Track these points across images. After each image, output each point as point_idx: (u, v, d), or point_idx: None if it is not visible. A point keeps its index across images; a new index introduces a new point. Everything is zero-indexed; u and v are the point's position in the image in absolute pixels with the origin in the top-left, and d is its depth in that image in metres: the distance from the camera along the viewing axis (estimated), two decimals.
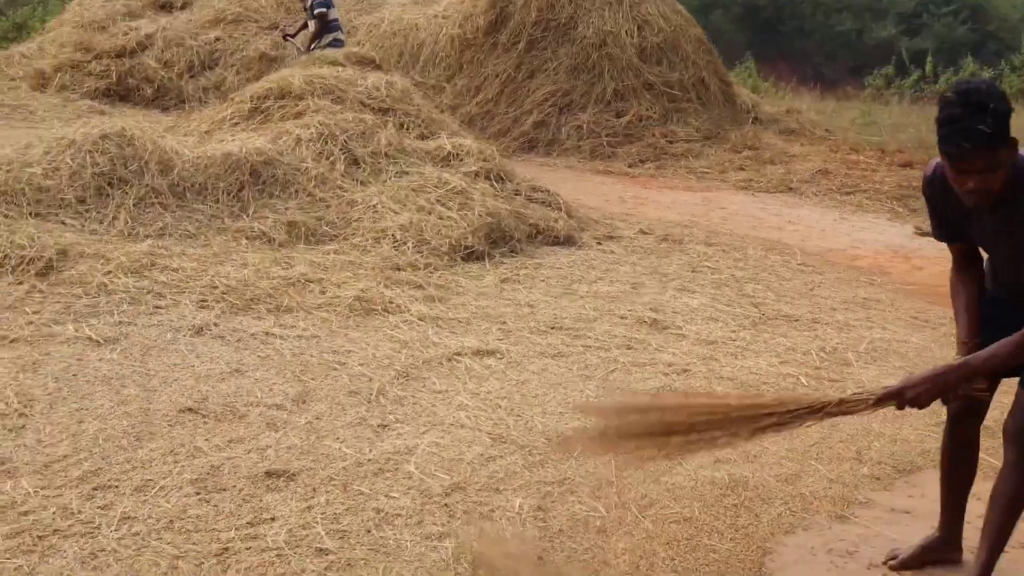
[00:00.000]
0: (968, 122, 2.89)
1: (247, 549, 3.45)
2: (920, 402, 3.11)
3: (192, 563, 3.35)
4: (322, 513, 3.73)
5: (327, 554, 3.48)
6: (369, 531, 3.65)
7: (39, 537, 3.40)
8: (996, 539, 3.41)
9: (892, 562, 3.73)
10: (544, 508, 3.94)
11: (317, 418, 4.56)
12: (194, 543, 3.46)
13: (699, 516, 3.98)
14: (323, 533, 3.60)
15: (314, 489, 3.91)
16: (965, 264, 3.49)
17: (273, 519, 3.66)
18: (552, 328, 6.08)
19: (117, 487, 3.77)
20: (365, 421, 4.58)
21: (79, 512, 3.57)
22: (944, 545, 3.74)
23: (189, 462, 4.01)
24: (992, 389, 3.59)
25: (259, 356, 5.20)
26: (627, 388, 5.19)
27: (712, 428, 3.22)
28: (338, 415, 4.61)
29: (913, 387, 3.10)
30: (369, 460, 4.19)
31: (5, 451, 3.93)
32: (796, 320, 6.72)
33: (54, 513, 3.55)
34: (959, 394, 3.23)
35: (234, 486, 3.87)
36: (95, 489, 3.74)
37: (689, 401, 3.42)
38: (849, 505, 4.23)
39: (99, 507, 3.62)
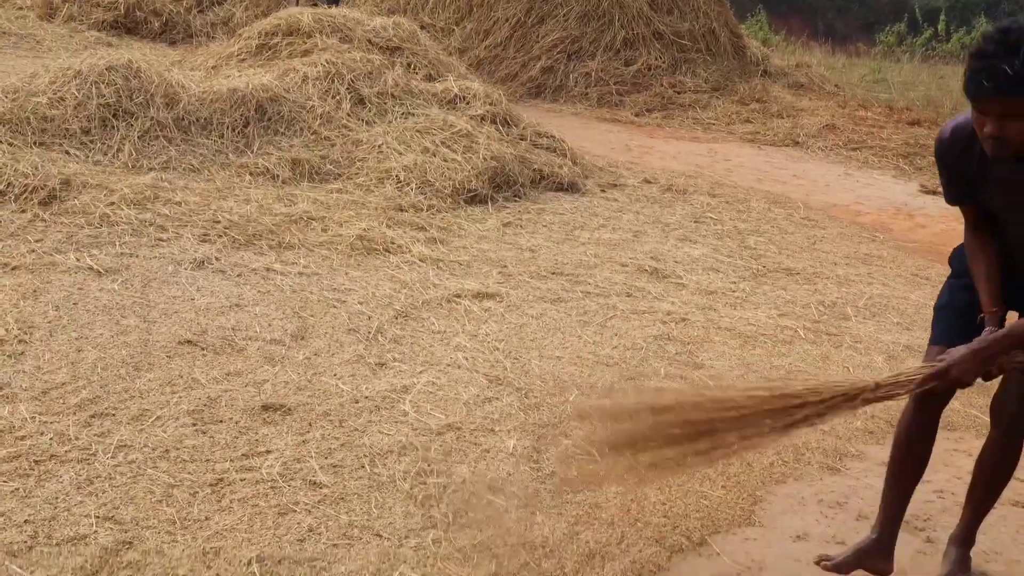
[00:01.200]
0: (995, 60, 2.62)
1: (241, 480, 3.48)
2: (965, 380, 2.90)
3: (187, 492, 3.38)
4: (317, 448, 3.76)
5: (320, 487, 3.51)
6: (363, 466, 3.68)
7: (36, 462, 3.43)
8: (980, 504, 3.44)
9: (826, 563, 3.33)
10: (538, 449, 3.97)
11: (315, 354, 4.57)
12: (189, 472, 3.49)
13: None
14: (317, 467, 3.62)
15: (310, 424, 3.93)
16: (981, 224, 3.14)
17: (268, 452, 3.69)
18: (552, 273, 6.09)
19: (114, 415, 3.79)
20: (363, 359, 4.60)
21: (76, 438, 3.60)
22: (879, 549, 3.31)
23: (186, 393, 4.03)
24: None
25: (259, 291, 5.21)
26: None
27: (739, 427, 2.86)
28: (336, 352, 4.63)
29: (957, 364, 2.86)
30: (365, 397, 4.21)
31: (4, 376, 3.95)
32: (796, 273, 6.74)
33: (51, 439, 3.57)
34: (1004, 367, 2.94)
35: (230, 418, 3.89)
36: (92, 416, 3.76)
37: (709, 395, 2.97)
38: (841, 457, 4.26)
39: (96, 434, 3.65)
